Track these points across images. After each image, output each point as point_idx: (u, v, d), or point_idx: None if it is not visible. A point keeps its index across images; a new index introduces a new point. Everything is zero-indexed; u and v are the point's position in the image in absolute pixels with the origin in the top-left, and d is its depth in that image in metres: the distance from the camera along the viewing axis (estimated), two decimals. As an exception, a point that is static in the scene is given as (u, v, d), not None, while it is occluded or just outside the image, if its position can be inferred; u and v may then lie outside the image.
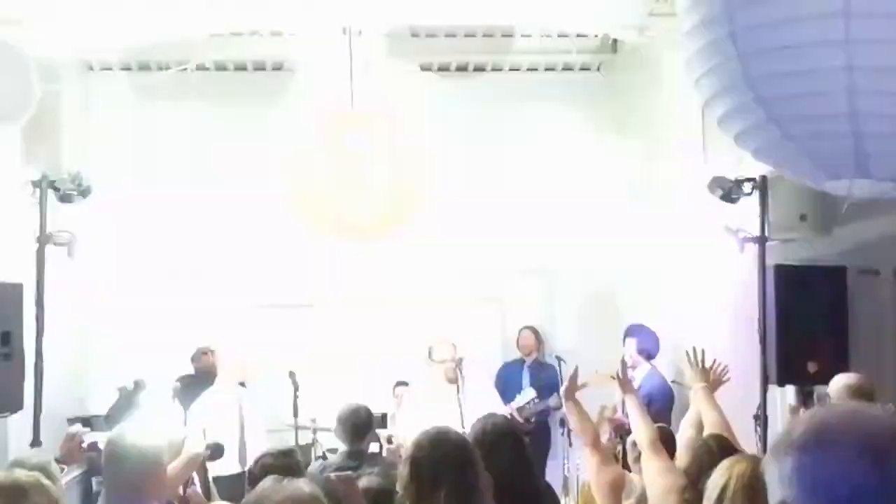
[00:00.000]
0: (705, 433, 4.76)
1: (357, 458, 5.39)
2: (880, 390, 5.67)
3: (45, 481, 3.33)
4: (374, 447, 5.98)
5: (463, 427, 6.48)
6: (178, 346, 8.71)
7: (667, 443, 5.01)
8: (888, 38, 2.57)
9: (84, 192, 6.35)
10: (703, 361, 5.33)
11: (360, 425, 5.49)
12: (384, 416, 7.88)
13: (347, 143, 5.23)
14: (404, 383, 8.45)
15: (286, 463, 4.39)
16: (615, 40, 9.11)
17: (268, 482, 2.98)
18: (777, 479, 1.64)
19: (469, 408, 6.57)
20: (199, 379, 7.97)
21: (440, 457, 3.20)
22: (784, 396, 7.05)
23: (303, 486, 2.77)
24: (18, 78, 5.24)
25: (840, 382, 5.52)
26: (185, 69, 8.30)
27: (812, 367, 6.54)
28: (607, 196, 8.71)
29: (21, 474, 3.39)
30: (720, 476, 3.21)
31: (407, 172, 5.59)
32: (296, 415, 7.59)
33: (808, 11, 2.60)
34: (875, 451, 1.59)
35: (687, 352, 5.57)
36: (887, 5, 2.58)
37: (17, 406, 6.17)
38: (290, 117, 7.31)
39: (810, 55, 2.61)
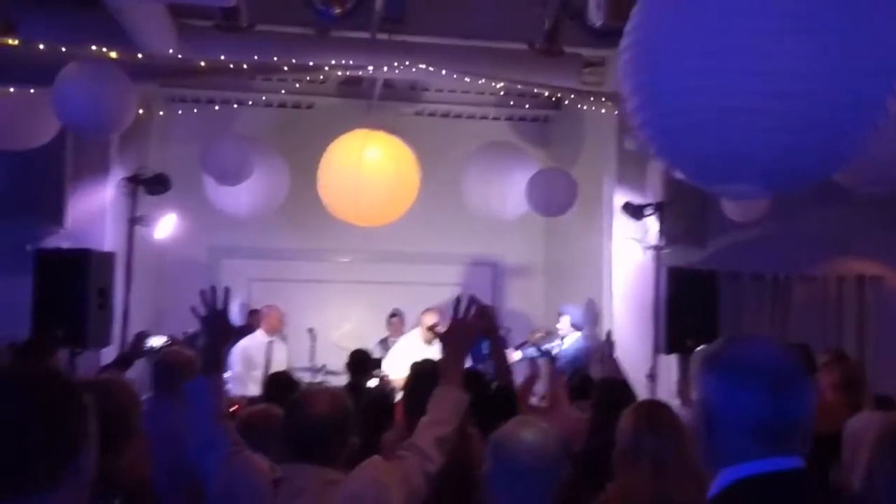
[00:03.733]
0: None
1: (356, 389, 5.48)
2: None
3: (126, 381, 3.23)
4: (372, 382, 6.02)
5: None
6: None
7: (589, 387, 5.18)
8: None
9: (166, 186, 6.52)
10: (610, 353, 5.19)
11: (359, 363, 5.62)
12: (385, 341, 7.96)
13: (366, 156, 5.31)
14: (397, 314, 8.51)
15: None
16: (559, 99, 9.25)
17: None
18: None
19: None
20: (245, 332, 8.08)
21: None
22: (669, 362, 7.29)
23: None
24: (123, 98, 5.25)
25: (699, 352, 5.78)
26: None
27: (690, 343, 6.72)
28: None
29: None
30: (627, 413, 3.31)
31: (405, 180, 5.66)
32: (311, 359, 7.74)
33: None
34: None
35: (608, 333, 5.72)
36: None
37: (107, 342, 6.34)
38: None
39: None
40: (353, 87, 8.90)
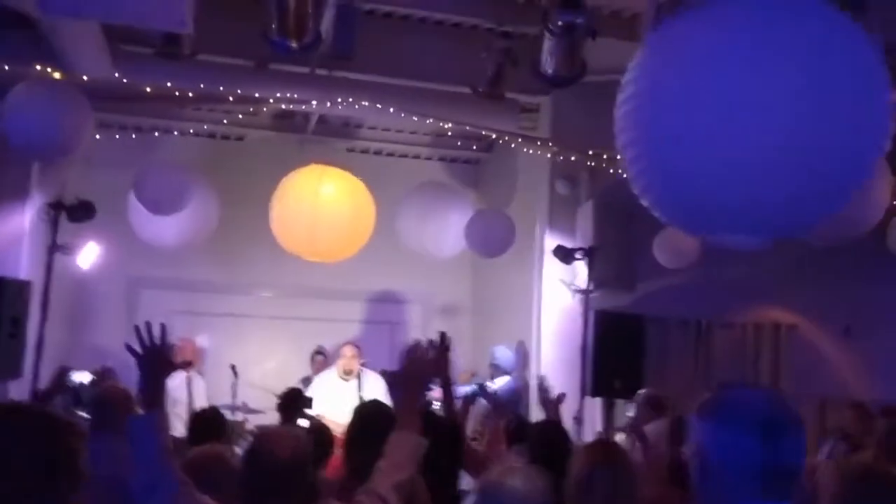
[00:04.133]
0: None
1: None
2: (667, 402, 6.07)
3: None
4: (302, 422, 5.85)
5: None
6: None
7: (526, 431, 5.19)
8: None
9: (90, 214, 6.26)
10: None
11: (291, 402, 5.42)
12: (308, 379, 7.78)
13: (322, 191, 5.22)
14: (321, 352, 8.37)
15: None
16: (492, 142, 9.41)
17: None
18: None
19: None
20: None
21: None
22: (595, 405, 7.40)
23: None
24: (79, 119, 5.03)
25: (643, 394, 5.91)
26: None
27: (617, 384, 6.84)
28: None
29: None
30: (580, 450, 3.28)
31: (361, 215, 5.60)
32: (234, 397, 7.49)
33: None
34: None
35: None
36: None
37: (17, 373, 5.99)
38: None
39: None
40: (285, 121, 8.83)
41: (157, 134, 8.54)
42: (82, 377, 4.65)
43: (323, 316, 9.19)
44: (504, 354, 7.99)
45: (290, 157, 8.65)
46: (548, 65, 4.73)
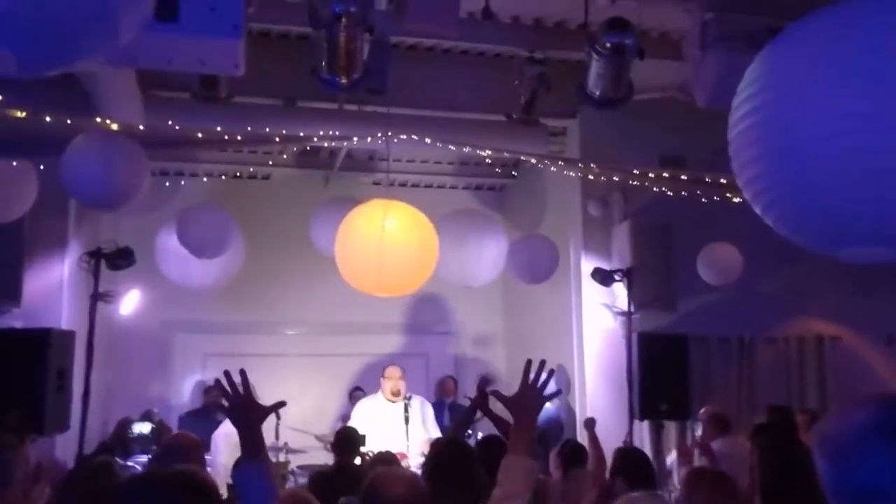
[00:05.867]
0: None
1: (344, 469, 5.17)
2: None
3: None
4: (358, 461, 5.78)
5: (407, 441, 6.53)
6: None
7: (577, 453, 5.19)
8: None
9: (129, 261, 6.24)
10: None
11: (346, 442, 5.38)
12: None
13: (385, 225, 5.18)
14: (360, 389, 8.27)
15: None
16: (516, 168, 9.43)
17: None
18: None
19: (413, 429, 6.44)
20: (203, 412, 7.76)
21: None
22: (643, 428, 7.32)
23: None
24: (138, 171, 5.04)
25: (705, 411, 5.86)
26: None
27: (664, 406, 6.83)
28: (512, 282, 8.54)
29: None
30: None
31: (427, 246, 5.56)
32: (277, 437, 7.42)
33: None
34: None
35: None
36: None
37: (65, 427, 5.95)
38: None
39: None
40: (310, 158, 8.85)
41: (182, 182, 8.58)
42: (142, 427, 4.59)
43: (356, 351, 9.17)
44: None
45: (315, 194, 8.69)
46: (595, 86, 4.74)
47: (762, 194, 2.24)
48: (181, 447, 3.61)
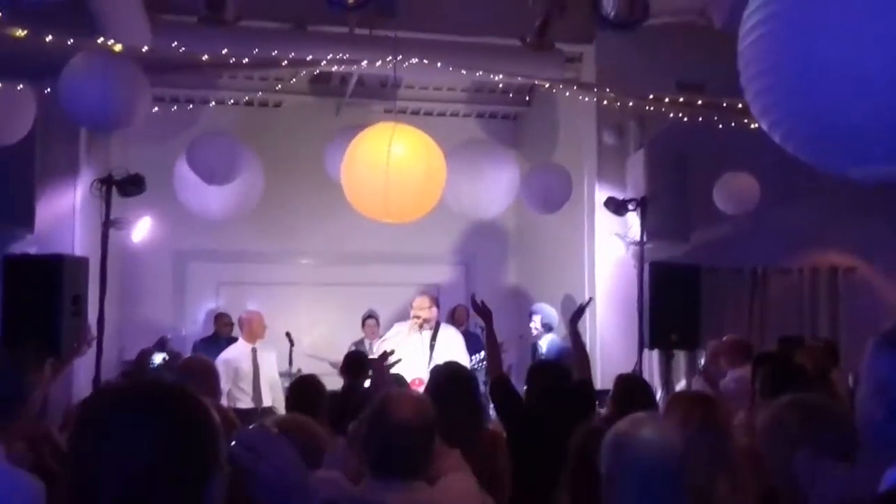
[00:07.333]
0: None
1: (352, 391, 5.22)
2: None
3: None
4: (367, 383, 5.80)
5: (428, 369, 6.48)
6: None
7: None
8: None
9: (140, 188, 6.21)
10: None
11: (355, 365, 5.40)
12: (361, 343, 7.72)
13: (393, 150, 5.09)
14: (372, 315, 8.29)
15: None
16: (530, 97, 9.28)
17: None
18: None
19: (438, 357, 6.34)
20: (216, 340, 7.84)
21: None
22: (652, 358, 7.36)
23: None
24: (138, 91, 4.98)
25: (727, 339, 5.83)
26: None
27: (675, 336, 6.81)
28: (525, 211, 8.49)
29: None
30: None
31: (433, 172, 5.47)
32: (290, 364, 7.54)
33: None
34: None
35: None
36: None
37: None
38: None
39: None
40: (322, 85, 8.74)
41: (190, 106, 8.50)
42: (160, 358, 4.64)
43: (368, 281, 9.20)
44: (550, 312, 7.89)
45: (327, 122, 8.60)
46: (610, 7, 4.60)
47: (771, 109, 2.16)
48: (198, 372, 3.65)
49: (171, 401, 1.34)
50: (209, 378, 3.57)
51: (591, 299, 5.80)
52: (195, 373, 3.67)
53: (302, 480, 1.44)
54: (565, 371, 4.09)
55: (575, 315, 4.93)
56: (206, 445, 1.32)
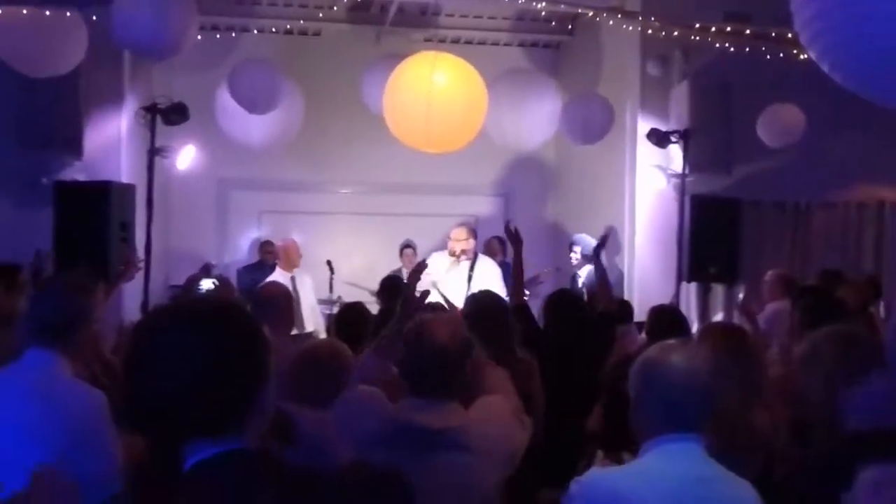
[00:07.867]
0: None
1: (389, 315, 5.31)
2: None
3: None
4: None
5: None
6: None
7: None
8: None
9: (184, 116, 6.30)
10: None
11: (392, 288, 5.46)
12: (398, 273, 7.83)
13: (435, 78, 5.06)
14: (410, 245, 8.38)
15: None
16: (572, 26, 9.10)
17: None
18: None
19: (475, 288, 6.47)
20: (260, 266, 7.99)
21: None
22: (690, 290, 7.35)
23: None
24: (187, 19, 4.99)
25: (772, 273, 5.79)
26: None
27: (713, 270, 6.79)
28: (566, 143, 8.31)
29: None
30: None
31: (475, 101, 5.44)
32: (331, 291, 7.70)
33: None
34: None
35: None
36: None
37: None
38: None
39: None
40: (361, 13, 8.66)
41: (234, 34, 8.51)
42: (207, 284, 4.78)
43: (408, 211, 9.26)
44: (591, 242, 7.86)
45: (366, 51, 8.55)
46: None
47: (819, 36, 2.12)
48: (275, 298, 3.79)
49: (225, 311, 1.43)
50: (288, 300, 3.74)
51: (612, 228, 5.77)
52: (274, 297, 3.82)
53: None
54: (579, 301, 4.18)
55: (598, 247, 5.00)
56: (256, 355, 1.39)
